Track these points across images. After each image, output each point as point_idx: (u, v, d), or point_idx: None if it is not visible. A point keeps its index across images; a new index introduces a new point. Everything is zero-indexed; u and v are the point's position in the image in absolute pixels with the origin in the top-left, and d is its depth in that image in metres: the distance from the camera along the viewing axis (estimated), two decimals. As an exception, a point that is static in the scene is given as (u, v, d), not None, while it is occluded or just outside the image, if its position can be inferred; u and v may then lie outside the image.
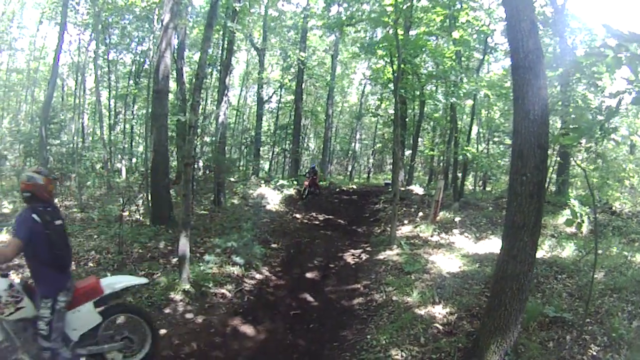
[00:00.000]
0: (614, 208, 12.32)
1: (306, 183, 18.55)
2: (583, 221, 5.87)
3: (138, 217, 12.30)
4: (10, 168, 18.88)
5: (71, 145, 17.81)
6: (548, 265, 7.72)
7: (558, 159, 12.83)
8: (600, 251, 6.30)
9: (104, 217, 11.95)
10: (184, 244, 7.63)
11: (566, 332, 5.39)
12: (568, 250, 8.70)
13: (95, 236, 10.37)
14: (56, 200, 13.16)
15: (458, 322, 6.14)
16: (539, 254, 4.91)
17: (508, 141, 17.36)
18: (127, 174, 20.06)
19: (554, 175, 13.71)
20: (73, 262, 8.81)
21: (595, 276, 6.11)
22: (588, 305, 5.55)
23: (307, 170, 20.79)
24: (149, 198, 12.28)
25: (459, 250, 9.52)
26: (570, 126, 5.81)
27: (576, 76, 10.65)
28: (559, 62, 11.70)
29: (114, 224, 11.00)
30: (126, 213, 11.41)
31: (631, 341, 4.86)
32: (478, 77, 14.61)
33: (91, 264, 8.85)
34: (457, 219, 12.13)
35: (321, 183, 21.49)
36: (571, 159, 13.38)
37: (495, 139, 19.93)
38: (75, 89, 22.98)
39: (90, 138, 25.44)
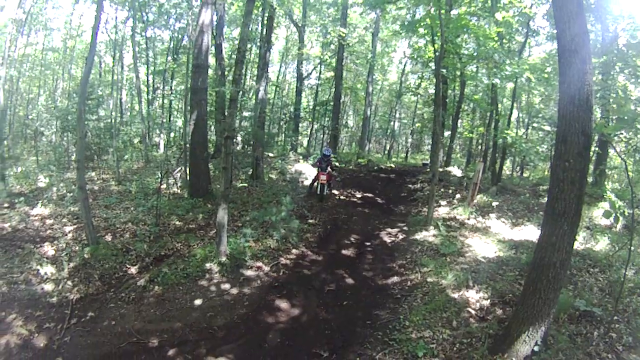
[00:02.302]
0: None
1: (322, 177, 12.87)
2: (621, 214, 5.75)
3: (176, 190, 12.53)
4: (46, 143, 19.41)
5: (109, 120, 18.06)
6: (581, 257, 7.62)
7: (597, 149, 12.51)
8: (632, 248, 6.12)
9: (141, 190, 12.19)
10: (222, 217, 7.80)
11: (594, 328, 5.34)
12: (602, 244, 8.54)
13: (132, 208, 10.67)
14: (93, 174, 13.55)
15: (491, 307, 6.14)
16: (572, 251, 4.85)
17: (547, 127, 16.93)
18: (165, 148, 20.31)
19: (591, 167, 13.36)
20: (109, 234, 9.10)
21: (627, 273, 5.98)
22: (617, 303, 5.48)
23: (317, 158, 14.43)
24: (187, 171, 12.48)
25: (495, 235, 9.41)
26: (612, 116, 5.67)
27: (618, 65, 10.33)
28: (601, 49, 11.35)
29: (151, 196, 11.26)
30: (164, 186, 11.62)
31: None
32: (520, 59, 14.22)
33: (127, 235, 9.09)
34: (495, 203, 11.95)
35: (360, 161, 20.66)
36: (610, 150, 13.05)
37: (535, 125, 19.46)
38: (113, 65, 23.12)
39: (129, 113, 25.74)
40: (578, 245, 8.25)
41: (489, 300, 6.29)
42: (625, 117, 5.11)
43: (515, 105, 17.76)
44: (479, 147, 20.92)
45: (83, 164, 8.58)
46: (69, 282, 7.52)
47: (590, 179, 14.63)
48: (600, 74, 11.47)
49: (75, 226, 9.58)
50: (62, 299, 7.12)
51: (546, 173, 19.54)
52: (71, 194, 11.40)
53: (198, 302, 6.82)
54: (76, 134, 8.85)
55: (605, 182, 14.34)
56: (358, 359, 5.40)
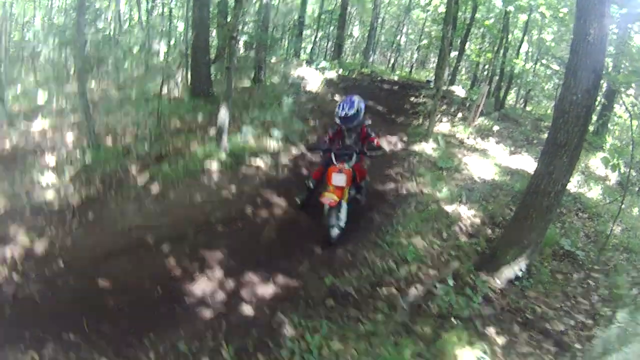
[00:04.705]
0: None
1: (329, 196, 5.80)
2: (618, 164, 5.83)
3: (176, 93, 12.39)
4: (44, 62, 19.02)
5: (108, 32, 17.56)
6: (573, 199, 7.77)
7: (603, 100, 12.31)
8: (623, 206, 6.22)
9: (142, 95, 11.95)
10: (223, 114, 7.90)
11: (575, 270, 5.55)
12: (594, 192, 8.71)
13: (133, 112, 10.54)
14: (93, 83, 13.36)
15: (480, 226, 6.32)
16: (567, 185, 4.93)
17: (556, 67, 16.60)
18: (165, 55, 19.97)
19: (594, 117, 13.20)
20: (110, 138, 9.13)
21: (614, 228, 6.20)
22: (600, 254, 5.76)
23: (332, 131, 6.80)
24: (188, 75, 12.33)
25: (493, 159, 9.47)
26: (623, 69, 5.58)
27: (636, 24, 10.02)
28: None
29: (151, 100, 11.11)
30: (164, 90, 11.51)
31: (627, 305, 4.92)
32: None
33: (128, 138, 9.15)
34: (496, 127, 11.95)
35: (364, 71, 19.46)
36: (615, 105, 12.84)
37: (544, 61, 19.08)
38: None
39: (127, 23, 25.05)
40: (571, 186, 8.35)
41: (479, 219, 6.47)
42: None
43: (525, 38, 17.28)
44: (485, 72, 20.63)
45: (83, 71, 8.50)
46: (70, 188, 7.64)
47: (591, 128, 14.56)
48: (618, 29, 11.11)
49: (76, 134, 9.58)
50: (64, 204, 7.24)
51: (549, 112, 19.39)
52: (71, 105, 11.32)
53: (198, 198, 7.01)
54: (75, 47, 8.68)
55: (606, 136, 14.26)
56: (349, 254, 5.63)
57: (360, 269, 5.29)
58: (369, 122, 6.26)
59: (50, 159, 8.58)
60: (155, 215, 6.68)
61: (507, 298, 4.77)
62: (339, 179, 5.91)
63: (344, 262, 5.51)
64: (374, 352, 3.75)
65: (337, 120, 6.47)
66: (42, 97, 12.59)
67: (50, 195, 7.46)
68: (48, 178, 7.86)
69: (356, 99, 6.51)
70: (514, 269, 4.95)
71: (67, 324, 4.86)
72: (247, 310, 4.73)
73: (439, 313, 4.42)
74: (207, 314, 4.72)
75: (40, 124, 10.30)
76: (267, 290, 5.12)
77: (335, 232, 6.05)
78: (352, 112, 6.35)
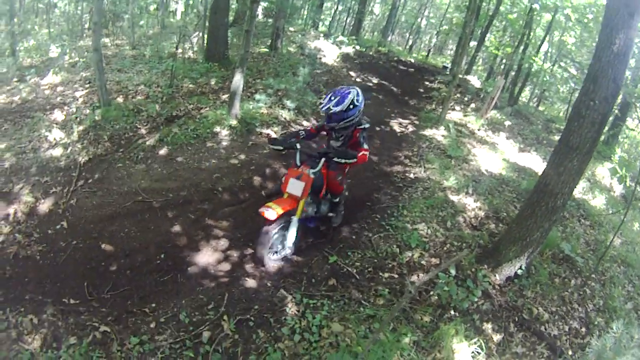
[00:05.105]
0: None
1: (291, 179, 4.92)
2: (625, 177, 5.81)
3: (191, 54, 12.29)
4: (59, 15, 18.79)
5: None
6: (577, 204, 7.70)
7: (617, 111, 12.20)
8: (625, 219, 6.22)
9: (156, 54, 11.96)
10: (238, 80, 7.80)
11: (573, 276, 5.54)
12: (598, 201, 8.61)
13: (146, 71, 10.57)
14: (107, 40, 13.24)
15: (485, 220, 6.29)
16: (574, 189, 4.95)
17: (574, 71, 16.46)
18: (182, 14, 19.72)
19: (606, 126, 13.14)
20: (121, 96, 9.08)
21: (614, 239, 6.19)
22: (599, 263, 5.75)
23: (318, 124, 5.71)
24: (205, 37, 12.19)
25: (502, 153, 9.42)
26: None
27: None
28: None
29: (165, 60, 11.06)
30: (179, 50, 11.42)
31: (620, 317, 4.99)
32: None
33: (140, 97, 9.11)
34: (507, 122, 11.83)
35: (381, 49, 18.90)
36: (629, 117, 12.73)
37: (562, 64, 18.86)
38: None
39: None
40: (576, 192, 8.30)
41: (483, 212, 6.45)
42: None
43: (547, 38, 17.08)
44: (502, 66, 20.42)
45: (99, 26, 8.40)
46: (78, 145, 7.62)
47: (602, 137, 14.48)
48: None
49: (86, 91, 9.56)
50: (70, 162, 7.25)
51: (561, 114, 19.32)
52: (83, 60, 11.25)
53: (205, 163, 6.99)
54: (91, 3, 8.55)
55: (616, 147, 14.16)
56: (354, 236, 5.62)
57: (364, 250, 5.31)
58: (367, 125, 5.18)
59: (59, 115, 8.57)
60: (162, 178, 6.68)
61: (505, 295, 4.81)
62: (294, 186, 4.85)
63: (348, 241, 5.51)
64: (373, 336, 3.76)
65: (326, 118, 5.25)
66: (54, 51, 12.48)
67: (57, 152, 7.47)
68: (56, 134, 7.85)
69: (352, 92, 5.10)
70: (515, 266, 4.97)
71: (68, 287, 4.92)
72: (250, 284, 4.75)
73: (438, 303, 4.46)
74: (210, 284, 4.74)
75: (51, 79, 10.26)
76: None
77: (269, 260, 4.99)
78: (339, 108, 4.99)
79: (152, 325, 4.12)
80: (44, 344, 3.95)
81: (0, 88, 10.36)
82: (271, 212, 4.56)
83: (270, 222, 4.67)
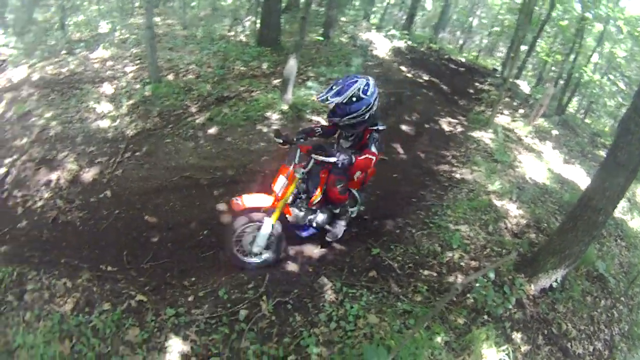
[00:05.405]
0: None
1: (280, 176, 4.49)
2: None
3: (243, 38, 12.36)
4: None
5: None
6: (615, 224, 7.47)
7: None
8: None
9: (208, 35, 12.04)
10: (292, 65, 7.82)
11: (603, 296, 5.40)
12: (636, 222, 8.30)
13: (197, 51, 10.68)
14: (158, 19, 13.43)
15: (526, 228, 6.18)
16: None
17: (622, 86, 16.09)
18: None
19: None
20: (172, 74, 9.24)
21: None
22: (630, 287, 5.65)
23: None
24: (257, 21, 12.23)
25: (546, 163, 9.21)
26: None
27: None
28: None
29: (217, 42, 11.21)
30: (231, 33, 11.48)
31: None
32: (617, 7, 13.12)
33: (190, 76, 9.27)
34: (554, 132, 11.57)
35: (432, 46, 18.54)
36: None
37: (611, 76, 18.33)
38: None
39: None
40: (616, 211, 8.09)
41: (525, 220, 6.34)
42: None
43: (598, 49, 16.62)
44: (551, 73, 19.97)
45: (151, 4, 8.59)
46: (126, 118, 7.84)
47: None
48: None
49: (137, 67, 9.79)
50: (118, 134, 7.48)
51: (607, 129, 18.72)
52: (134, 37, 11.48)
53: (255, 145, 7.08)
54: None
55: None
56: (398, 231, 5.62)
57: (407, 245, 5.31)
58: (382, 127, 4.45)
59: (108, 89, 8.80)
60: (210, 156, 6.80)
61: (538, 307, 4.75)
62: (279, 184, 4.44)
63: (392, 235, 5.52)
64: (409, 332, 3.79)
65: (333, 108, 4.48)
66: (104, 27, 12.73)
67: (105, 124, 7.69)
68: (104, 107, 8.07)
69: (359, 82, 4.29)
70: (551, 278, 4.89)
71: (106, 255, 5.10)
72: (292, 267, 4.82)
73: (473, 306, 4.43)
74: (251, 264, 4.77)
75: (100, 53, 10.49)
76: (313, 251, 5.18)
77: (240, 259, 4.64)
78: (337, 99, 4.23)
79: (190, 298, 4.21)
80: (75, 307, 4.05)
81: (49, 60, 10.68)
82: (239, 202, 4.30)
83: (237, 214, 4.45)
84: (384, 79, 11.34)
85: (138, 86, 8.79)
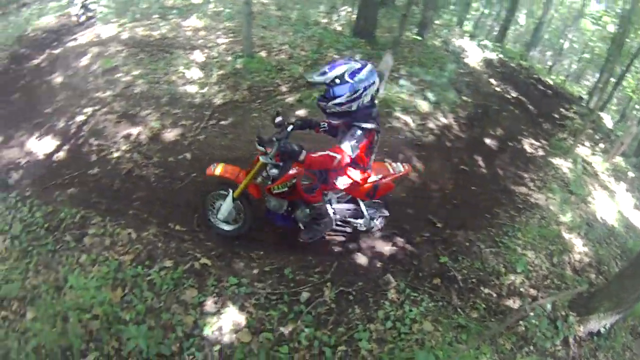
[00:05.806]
0: None
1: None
2: None
3: (338, 27, 12.46)
4: None
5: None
6: None
7: None
8: None
9: (302, 19, 12.20)
10: (387, 60, 8.04)
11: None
12: None
13: (291, 33, 10.84)
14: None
15: (588, 267, 6.14)
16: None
17: None
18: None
19: None
20: (264, 51, 9.45)
21: None
22: None
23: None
24: (354, 12, 12.35)
25: (617, 204, 8.95)
26: None
27: None
28: None
29: (311, 26, 11.36)
30: (325, 20, 11.58)
31: None
32: None
33: (283, 56, 9.46)
34: (631, 174, 11.16)
35: (523, 63, 17.94)
36: None
37: None
38: None
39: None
40: None
41: (588, 259, 6.30)
42: None
43: None
44: (634, 111, 19.14)
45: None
46: (215, 87, 8.08)
47: None
48: None
49: (229, 39, 10.05)
50: (205, 101, 7.70)
51: None
52: (229, 10, 11.79)
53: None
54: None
55: None
56: (468, 243, 5.66)
57: (473, 260, 5.38)
58: (370, 126, 4.03)
59: (199, 56, 9.09)
60: (296, 137, 6.93)
61: (581, 350, 4.74)
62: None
63: (461, 246, 5.59)
64: (458, 347, 3.90)
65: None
66: (199, -1, 12.91)
67: (192, 89, 7.97)
68: (194, 73, 8.37)
69: (349, 65, 3.92)
70: (601, 323, 4.88)
71: (176, 214, 5.30)
72: (361, 260, 4.96)
73: (523, 334, 4.48)
74: (320, 250, 4.95)
75: (193, 22, 10.83)
76: (384, 248, 5.29)
77: (213, 222, 4.94)
78: (320, 78, 3.90)
79: (255, 271, 4.40)
80: (135, 258, 4.28)
81: (140, 21, 11.14)
82: (213, 168, 4.54)
83: (207, 178, 4.70)
84: (473, 88, 11.30)
85: (229, 58, 9.05)
